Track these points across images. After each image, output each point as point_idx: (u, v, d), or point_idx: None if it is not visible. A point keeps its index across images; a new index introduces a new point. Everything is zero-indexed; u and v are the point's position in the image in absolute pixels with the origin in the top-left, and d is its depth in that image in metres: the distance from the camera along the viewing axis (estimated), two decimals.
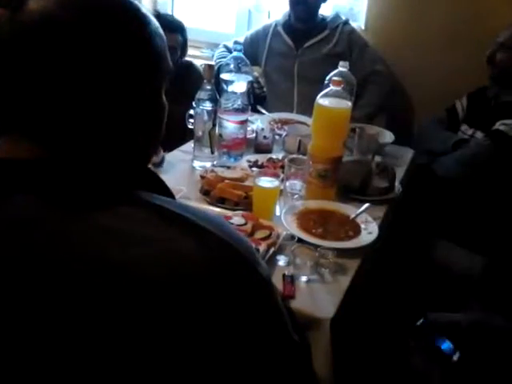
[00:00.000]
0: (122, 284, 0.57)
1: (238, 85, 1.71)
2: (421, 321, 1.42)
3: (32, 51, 0.61)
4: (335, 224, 1.45)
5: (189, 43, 2.98)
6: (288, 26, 2.49)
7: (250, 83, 2.68)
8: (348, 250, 1.34)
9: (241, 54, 1.92)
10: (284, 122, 2.16)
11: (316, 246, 1.30)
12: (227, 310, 0.60)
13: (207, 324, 0.59)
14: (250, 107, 1.93)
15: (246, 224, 1.35)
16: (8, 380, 0.58)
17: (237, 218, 1.36)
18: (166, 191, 0.70)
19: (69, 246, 0.59)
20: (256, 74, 2.68)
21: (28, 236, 0.59)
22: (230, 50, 2.63)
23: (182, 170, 1.75)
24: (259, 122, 2.07)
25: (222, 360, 0.61)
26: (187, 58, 2.54)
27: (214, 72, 1.67)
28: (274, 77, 2.55)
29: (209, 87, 1.65)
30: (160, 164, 1.66)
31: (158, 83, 0.70)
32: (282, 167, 1.75)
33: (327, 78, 1.77)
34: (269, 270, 0.69)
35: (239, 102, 1.74)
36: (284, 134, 1.97)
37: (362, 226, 1.44)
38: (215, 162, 1.76)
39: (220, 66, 2.52)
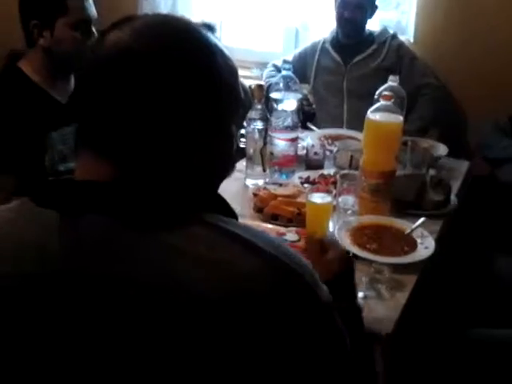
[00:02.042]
0: (183, 301, 0.59)
1: (288, 103, 1.74)
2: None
3: (110, 80, 0.66)
4: (390, 239, 1.43)
5: (238, 63, 3.06)
6: (336, 42, 2.50)
7: (300, 101, 2.73)
8: (404, 266, 1.32)
9: (290, 73, 1.95)
10: (334, 138, 2.16)
11: (371, 262, 1.30)
12: (286, 331, 0.62)
13: (265, 343, 0.60)
14: (299, 124, 1.95)
15: (299, 240, 1.36)
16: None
17: (290, 235, 1.38)
18: (231, 213, 0.72)
19: (136, 262, 0.61)
20: (305, 91, 2.70)
21: (98, 251, 0.63)
22: (278, 69, 2.66)
23: (235, 189, 1.77)
24: (309, 139, 2.08)
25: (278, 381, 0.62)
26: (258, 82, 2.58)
27: (264, 91, 1.70)
28: (322, 93, 2.56)
29: (259, 107, 1.68)
30: None
31: (226, 113, 0.72)
32: (334, 183, 1.75)
33: (377, 92, 1.76)
34: (329, 294, 0.69)
35: (289, 120, 1.76)
36: (335, 149, 1.97)
37: (418, 240, 1.42)
38: (267, 180, 1.78)
39: (270, 85, 2.57)
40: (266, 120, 1.70)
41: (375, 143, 1.53)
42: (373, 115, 1.51)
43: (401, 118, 1.51)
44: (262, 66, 2.86)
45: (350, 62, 2.46)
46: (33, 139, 1.58)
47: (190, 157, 0.69)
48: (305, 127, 2.29)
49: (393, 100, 1.52)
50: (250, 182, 1.78)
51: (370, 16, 2.40)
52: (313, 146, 1.95)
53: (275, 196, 1.57)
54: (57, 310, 0.62)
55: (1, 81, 1.67)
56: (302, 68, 2.62)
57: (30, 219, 0.67)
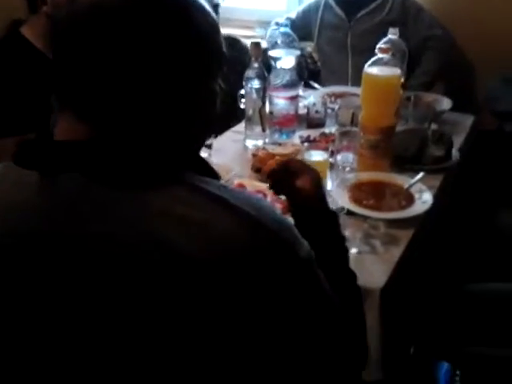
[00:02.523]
0: (162, 259, 0.60)
1: (286, 60, 1.71)
2: None
3: (85, 38, 0.65)
4: (388, 195, 1.43)
5: (241, 23, 3.00)
6: None
7: (304, 58, 2.67)
8: (400, 221, 1.31)
9: (288, 30, 1.90)
10: (338, 96, 2.13)
11: (366, 218, 1.29)
12: (265, 288, 0.63)
13: (246, 301, 0.62)
14: (301, 82, 1.92)
15: None
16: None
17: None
18: (212, 173, 0.73)
19: (112, 220, 0.62)
20: (309, 49, 2.64)
21: (73, 210, 0.63)
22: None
23: (235, 150, 1.78)
24: (312, 97, 2.06)
25: (259, 333, 0.64)
26: (236, 36, 2.54)
27: (261, 49, 1.67)
28: (327, 50, 2.51)
29: (256, 65, 1.65)
30: (209, 146, 1.69)
31: (205, 69, 0.71)
32: (335, 141, 1.74)
33: (377, 46, 1.72)
34: (310, 249, 0.69)
35: (288, 78, 1.73)
36: (337, 107, 1.94)
37: (416, 195, 1.41)
38: (267, 140, 1.77)
39: (275, 43, 2.52)
40: (263, 78, 1.68)
41: (373, 98, 1.50)
42: (370, 69, 1.48)
43: (398, 71, 1.47)
44: (266, 24, 2.80)
45: (353, 17, 2.40)
46: (36, 103, 1.59)
47: (168, 114, 0.68)
48: (308, 85, 2.26)
49: (390, 53, 1.48)
50: (249, 143, 1.77)
51: None
52: (314, 104, 1.93)
53: (273, 156, 1.56)
54: (39, 270, 0.64)
55: (3, 47, 1.68)
56: (305, 25, 2.56)
57: (14, 181, 0.68)
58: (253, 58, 1.66)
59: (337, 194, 1.41)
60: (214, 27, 0.72)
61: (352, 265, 1.18)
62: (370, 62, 1.49)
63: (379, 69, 1.47)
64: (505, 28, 2.35)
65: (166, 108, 0.68)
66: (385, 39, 1.73)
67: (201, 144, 0.77)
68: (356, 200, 1.39)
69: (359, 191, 1.44)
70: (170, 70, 0.67)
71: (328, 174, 1.55)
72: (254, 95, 1.68)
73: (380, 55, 1.47)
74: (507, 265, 1.61)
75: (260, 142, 1.75)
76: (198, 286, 0.60)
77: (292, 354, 0.68)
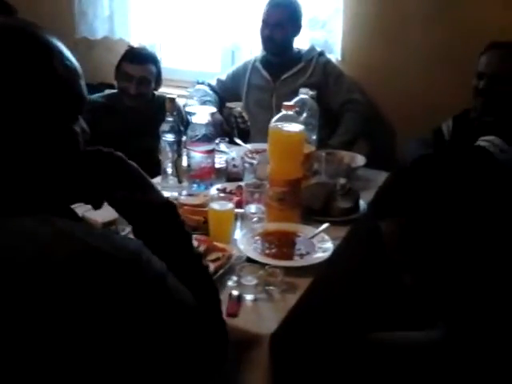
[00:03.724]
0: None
1: (200, 116, 1.77)
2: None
3: None
4: (290, 244, 1.46)
5: (176, 83, 3.10)
6: (265, 60, 2.57)
7: (234, 117, 2.77)
8: (300, 269, 1.34)
9: (204, 88, 1.97)
10: (259, 152, 2.20)
11: (265, 265, 1.31)
12: (99, 304, 0.66)
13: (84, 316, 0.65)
14: (216, 137, 1.99)
15: (198, 247, 1.37)
16: None
17: None
18: (67, 211, 0.78)
19: None
20: (239, 108, 2.75)
21: None
22: (212, 88, 2.71)
23: None
24: (233, 153, 2.12)
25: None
26: (171, 96, 2.62)
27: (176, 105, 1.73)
28: (254, 110, 2.61)
29: (170, 119, 1.71)
30: None
31: (66, 111, 0.75)
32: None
33: (287, 104, 1.81)
34: (155, 270, 0.73)
35: (203, 132, 1.79)
36: (255, 162, 2.00)
37: (318, 244, 1.45)
38: (184, 192, 1.80)
39: (203, 102, 2.61)
40: (178, 132, 1.73)
41: (278, 152, 1.57)
42: (275, 125, 1.55)
43: (301, 128, 1.55)
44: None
45: (278, 79, 2.52)
46: None
47: (20, 151, 0.71)
48: (233, 142, 2.33)
49: (295, 110, 1.56)
50: (165, 194, 1.78)
51: (294, 34, 2.47)
52: (233, 158, 1.98)
53: (183, 205, 1.58)
54: None
55: None
56: (235, 86, 2.67)
57: None
58: (168, 113, 1.71)
59: (242, 242, 1.43)
60: (73, 72, 0.76)
61: (247, 312, 1.21)
62: (275, 119, 1.56)
63: (283, 124, 1.54)
64: (424, 91, 2.51)
65: (18, 145, 0.71)
66: (296, 98, 1.82)
67: (64, 184, 0.79)
68: (259, 249, 1.42)
69: (263, 241, 1.47)
70: (23, 109, 0.70)
71: (238, 224, 1.58)
72: (168, 148, 1.72)
73: (284, 111, 1.54)
74: (410, 314, 1.64)
75: (175, 194, 1.77)
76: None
77: (153, 358, 0.72)
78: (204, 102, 2.60)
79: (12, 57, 0.69)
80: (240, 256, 1.37)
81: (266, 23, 2.45)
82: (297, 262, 1.36)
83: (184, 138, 1.82)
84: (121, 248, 0.70)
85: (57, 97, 0.73)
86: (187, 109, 1.81)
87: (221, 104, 2.70)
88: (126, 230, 1.43)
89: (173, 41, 3.04)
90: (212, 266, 1.29)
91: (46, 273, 0.64)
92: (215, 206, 1.46)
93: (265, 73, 2.56)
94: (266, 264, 1.32)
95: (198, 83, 2.62)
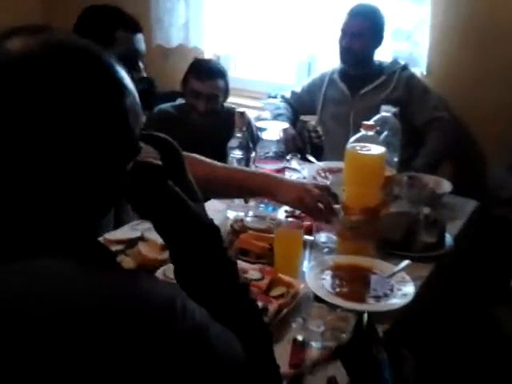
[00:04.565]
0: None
1: (271, 132, 1.64)
2: None
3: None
4: (364, 283, 1.29)
5: (249, 94, 3.00)
6: (343, 73, 2.41)
7: (307, 132, 2.63)
8: (373, 314, 1.17)
9: (277, 102, 1.85)
10: (334, 171, 2.04)
11: (336, 307, 1.16)
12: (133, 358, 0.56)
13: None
14: (288, 153, 1.86)
15: (262, 279, 1.24)
16: None
17: (253, 272, 1.25)
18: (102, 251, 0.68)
19: None
20: (313, 122, 2.61)
21: None
22: (286, 100, 2.59)
23: (216, 220, 1.67)
24: (305, 172, 1.98)
25: None
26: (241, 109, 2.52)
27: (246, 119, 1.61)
28: (329, 125, 2.46)
29: (239, 135, 1.59)
30: None
31: (117, 157, 0.65)
32: None
33: (368, 122, 1.65)
34: (193, 320, 0.61)
35: (274, 150, 1.66)
36: (328, 183, 1.85)
37: (397, 286, 1.27)
38: (250, 213, 1.68)
39: (277, 115, 2.49)
40: (247, 149, 1.61)
41: (355, 177, 1.41)
42: (352, 146, 1.39)
43: (382, 150, 1.38)
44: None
45: (357, 93, 2.36)
46: None
47: (63, 192, 0.62)
48: (305, 159, 2.19)
49: (375, 130, 1.40)
50: (231, 214, 1.68)
51: (376, 46, 2.30)
52: (304, 178, 1.84)
53: (247, 229, 1.46)
54: None
55: None
56: (310, 99, 2.54)
57: None
58: (236, 128, 1.60)
59: (310, 277, 1.28)
60: (139, 114, 0.67)
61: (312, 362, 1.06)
62: (352, 139, 1.40)
63: (362, 146, 1.38)
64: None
65: (61, 184, 0.61)
66: (377, 117, 1.66)
67: (93, 221, 0.68)
68: (329, 286, 1.26)
69: (334, 276, 1.31)
70: (79, 144, 0.60)
71: (306, 254, 1.43)
72: (235, 165, 1.61)
73: (364, 132, 1.38)
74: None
75: (242, 214, 1.66)
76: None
77: None
78: (277, 115, 2.49)
79: (82, 88, 0.60)
80: (307, 293, 1.22)
81: (344, 33, 2.30)
82: (372, 305, 1.19)
83: (253, 155, 1.70)
84: (150, 297, 0.59)
85: (117, 140, 0.64)
86: (257, 124, 1.69)
87: (294, 117, 2.57)
88: None
89: (247, 51, 2.95)
90: (275, 304, 1.15)
91: (56, 333, 0.53)
92: (282, 233, 1.32)
93: (343, 86, 2.40)
94: (338, 306, 1.16)
95: (270, 97, 2.51)
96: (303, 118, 2.67)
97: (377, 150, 1.38)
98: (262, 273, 1.25)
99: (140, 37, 1.61)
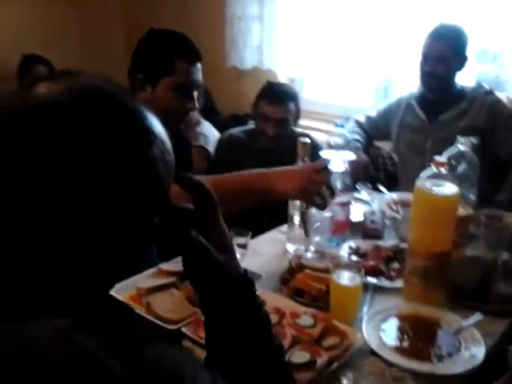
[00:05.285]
0: None
1: (337, 163, 1.55)
2: None
3: (26, 131, 0.56)
4: (428, 337, 1.17)
5: (324, 117, 2.92)
6: (421, 98, 2.27)
7: (382, 158, 2.51)
8: (434, 378, 1.05)
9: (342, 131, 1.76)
10: (405, 204, 1.91)
11: (391, 365, 1.05)
12: None
13: None
14: (354, 187, 1.77)
15: (314, 326, 1.15)
16: None
17: (305, 317, 1.17)
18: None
19: None
20: (388, 149, 2.49)
21: None
22: (360, 125, 2.49)
23: (273, 253, 1.61)
24: (375, 204, 1.87)
25: None
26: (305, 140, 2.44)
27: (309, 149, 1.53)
28: (404, 153, 2.32)
29: (300, 165, 1.52)
30: (244, 246, 1.55)
31: (145, 206, 0.61)
32: (388, 258, 1.52)
33: (442, 157, 1.52)
34: None
35: (338, 182, 1.57)
36: (399, 217, 1.73)
37: (465, 344, 1.14)
38: (311, 247, 1.59)
39: (348, 142, 2.39)
40: None
41: (423, 218, 1.29)
42: (422, 183, 1.28)
43: (455, 190, 1.25)
44: (345, 120, 2.70)
45: (435, 120, 2.21)
46: None
47: (89, 246, 0.58)
48: (376, 189, 2.08)
49: (447, 167, 1.28)
50: (290, 247, 1.61)
51: (458, 68, 2.14)
52: (373, 212, 1.73)
53: (304, 268, 1.38)
54: None
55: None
56: (385, 125, 2.42)
57: None
58: (299, 158, 1.53)
59: (367, 328, 1.18)
60: (170, 164, 0.63)
61: None
62: (422, 176, 1.29)
63: (433, 184, 1.26)
64: None
65: (83, 231, 0.57)
66: (453, 149, 1.52)
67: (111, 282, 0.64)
68: (390, 339, 1.15)
69: (395, 328, 1.20)
70: (102, 193, 0.57)
71: (367, 298, 1.33)
72: None
73: (434, 169, 1.27)
74: None
75: (302, 248, 1.58)
76: None
77: None
78: (349, 141, 2.39)
79: (105, 136, 0.56)
80: (362, 345, 1.12)
81: (426, 57, 2.15)
82: (434, 367, 1.06)
83: None
84: (153, 369, 0.54)
85: (146, 189, 0.60)
86: (322, 154, 1.61)
87: (367, 143, 2.46)
88: None
89: (322, 73, 2.88)
90: (325, 357, 1.06)
91: None
92: (339, 277, 1.23)
93: (420, 112, 2.26)
94: (393, 364, 1.05)
95: (337, 125, 2.42)
96: (377, 144, 2.56)
97: (449, 189, 1.25)
98: (315, 318, 1.17)
99: (198, 67, 1.58)
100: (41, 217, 0.54)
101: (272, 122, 2.15)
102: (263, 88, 2.24)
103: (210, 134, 2.61)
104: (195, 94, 1.58)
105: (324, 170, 1.32)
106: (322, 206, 1.34)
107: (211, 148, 2.54)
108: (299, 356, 1.05)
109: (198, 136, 2.59)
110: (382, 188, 2.06)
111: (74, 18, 3.28)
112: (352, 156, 1.62)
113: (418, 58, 2.23)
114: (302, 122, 2.84)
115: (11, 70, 2.92)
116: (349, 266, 1.27)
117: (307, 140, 1.52)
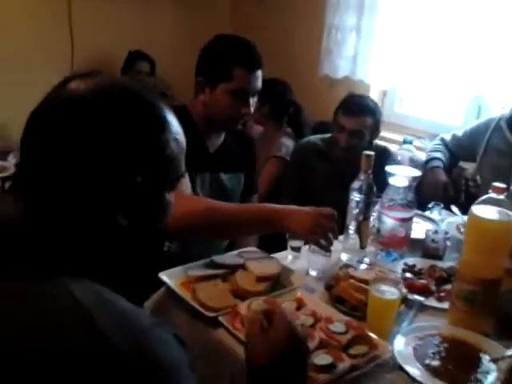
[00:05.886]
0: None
1: (398, 179, 1.55)
2: None
3: (57, 124, 0.69)
4: (464, 363, 1.15)
5: (412, 132, 2.87)
6: None
7: (465, 180, 2.42)
8: None
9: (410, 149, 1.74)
10: None
11: (414, 380, 1.05)
12: None
13: None
14: (419, 204, 1.75)
15: (345, 333, 1.18)
16: None
17: (338, 324, 1.20)
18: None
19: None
20: (471, 170, 2.40)
21: None
22: (445, 143, 2.43)
23: (328, 259, 1.64)
24: (444, 224, 1.83)
25: None
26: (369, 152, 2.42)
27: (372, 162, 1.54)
28: (487, 176, 2.22)
29: (362, 177, 1.54)
30: (298, 249, 1.60)
31: (159, 184, 0.74)
32: (442, 279, 1.50)
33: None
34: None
35: (401, 197, 1.57)
36: (463, 239, 1.68)
37: (494, 374, 1.10)
38: (367, 259, 1.61)
39: (431, 159, 2.35)
40: (368, 192, 1.54)
41: (475, 243, 1.26)
42: (477, 209, 1.25)
43: (510, 216, 1.21)
44: (434, 137, 2.64)
45: None
46: None
47: (103, 213, 0.70)
48: (449, 209, 2.02)
49: (506, 193, 1.24)
50: (344, 257, 1.63)
51: None
52: (435, 231, 1.70)
53: (350, 277, 1.40)
54: None
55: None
56: (471, 145, 2.34)
57: None
58: (362, 170, 1.55)
59: (400, 341, 1.18)
60: (178, 148, 0.75)
61: None
62: (478, 201, 1.26)
63: (488, 210, 1.23)
64: None
65: (107, 208, 0.69)
66: None
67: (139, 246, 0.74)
68: (419, 357, 1.15)
69: (432, 347, 1.19)
70: (116, 170, 0.69)
71: (410, 314, 1.33)
72: (353, 206, 1.55)
73: (493, 194, 1.24)
74: None
75: (356, 258, 1.60)
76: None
77: None
78: (431, 159, 2.35)
79: (123, 121, 0.69)
80: (388, 360, 1.13)
81: None
82: None
83: (381, 200, 1.62)
84: (156, 356, 0.62)
85: (155, 169, 0.72)
86: (387, 168, 1.61)
87: (451, 163, 2.39)
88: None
89: (414, 87, 2.83)
90: (347, 363, 1.08)
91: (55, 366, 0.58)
92: (377, 290, 1.24)
93: (509, 135, 2.16)
94: (416, 380, 1.05)
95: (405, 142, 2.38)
96: (463, 164, 2.47)
97: (503, 215, 1.22)
98: (348, 326, 1.19)
99: (258, 74, 1.64)
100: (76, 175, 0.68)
101: (346, 133, 2.17)
102: (343, 99, 2.27)
103: (292, 145, 2.66)
104: (252, 100, 1.65)
105: (331, 216, 1.41)
106: (326, 248, 1.44)
107: None
108: (322, 358, 1.08)
109: (281, 147, 2.66)
110: (455, 209, 2.00)
111: (183, 19, 3.50)
112: (416, 173, 1.60)
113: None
114: (388, 134, 2.83)
115: (118, 65, 3.19)
116: (389, 279, 1.27)
117: (371, 153, 1.54)
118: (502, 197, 1.24)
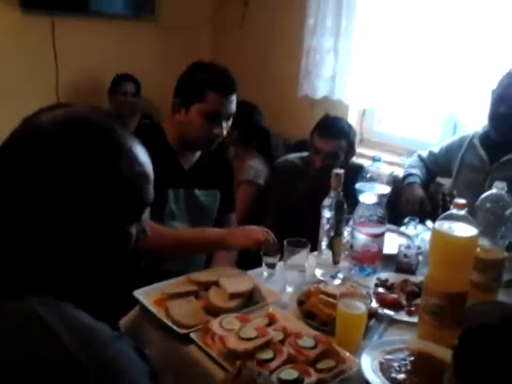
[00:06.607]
0: None
1: (368, 196, 1.59)
2: None
3: (20, 155, 0.72)
4: (429, 376, 1.17)
5: (391, 148, 2.92)
6: (485, 137, 2.22)
7: (442, 195, 2.46)
8: None
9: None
10: None
11: None
12: None
13: None
14: (406, 218, 1.80)
15: (313, 348, 1.20)
16: None
17: (306, 339, 1.22)
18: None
19: None
20: (448, 185, 2.44)
21: None
22: (422, 160, 2.48)
23: (304, 275, 1.67)
24: (419, 240, 1.87)
25: None
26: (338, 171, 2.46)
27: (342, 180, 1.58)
28: (462, 192, 2.26)
29: (332, 195, 1.57)
30: (272, 266, 1.63)
31: (127, 214, 0.76)
32: (413, 294, 1.52)
33: (478, 200, 1.52)
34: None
35: (371, 214, 1.61)
36: None
37: None
38: (340, 274, 1.63)
39: (408, 175, 2.39)
40: (338, 209, 1.58)
41: (440, 257, 1.29)
42: (440, 224, 1.28)
43: (474, 232, 1.25)
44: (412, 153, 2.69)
45: (496, 161, 2.15)
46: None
47: (68, 243, 0.73)
48: (423, 224, 2.06)
49: (466, 209, 1.27)
50: (318, 272, 1.65)
51: None
52: (408, 246, 1.73)
53: (320, 292, 1.42)
54: None
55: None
56: (446, 161, 2.39)
57: None
58: (332, 188, 1.58)
59: (367, 356, 1.21)
60: (141, 177, 0.76)
61: None
62: (441, 217, 1.30)
63: (451, 225, 1.27)
64: None
65: (68, 235, 0.72)
66: (487, 193, 1.51)
67: (95, 275, 0.77)
68: (385, 370, 1.17)
69: (398, 362, 1.21)
70: (80, 203, 0.71)
71: (380, 328, 1.36)
72: (324, 222, 1.59)
73: (454, 210, 1.27)
74: None
75: (329, 274, 1.62)
76: None
77: None
78: (407, 175, 2.39)
79: (81, 152, 0.71)
80: (354, 374, 1.15)
81: (502, 98, 2.07)
82: None
83: (352, 216, 1.66)
84: (117, 368, 0.65)
85: (117, 198, 0.74)
86: (357, 186, 1.64)
87: (427, 179, 2.44)
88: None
89: (392, 106, 2.89)
90: (314, 377, 1.11)
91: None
92: (344, 305, 1.27)
93: (482, 152, 2.21)
94: None
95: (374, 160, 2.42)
96: (440, 180, 2.52)
97: (467, 231, 1.25)
98: (317, 341, 1.22)
99: (231, 99, 1.74)
100: (36, 209, 0.70)
101: (321, 155, 2.21)
102: (319, 121, 2.32)
103: (261, 167, 2.64)
104: (224, 123, 1.76)
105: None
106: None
107: (262, 181, 2.60)
108: (288, 373, 1.10)
109: (250, 170, 2.61)
110: (429, 224, 2.04)
111: (166, 42, 3.56)
112: (386, 190, 1.64)
113: (485, 96, 2.19)
114: (367, 151, 2.88)
115: (105, 86, 3.25)
116: (357, 294, 1.30)
117: (341, 171, 1.58)
118: (462, 212, 1.27)
